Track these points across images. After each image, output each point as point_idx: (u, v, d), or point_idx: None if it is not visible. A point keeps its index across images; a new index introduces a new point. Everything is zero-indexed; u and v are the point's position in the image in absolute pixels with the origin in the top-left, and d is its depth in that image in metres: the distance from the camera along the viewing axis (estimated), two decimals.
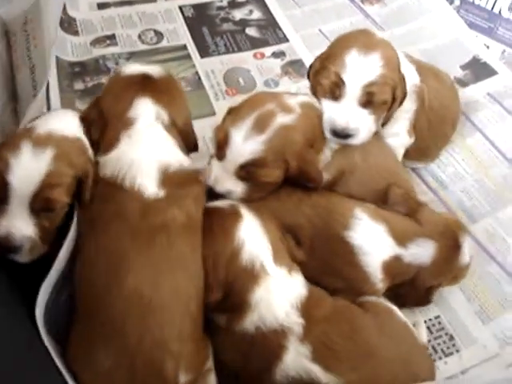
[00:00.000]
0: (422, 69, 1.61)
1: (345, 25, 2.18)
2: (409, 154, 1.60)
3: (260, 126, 1.27)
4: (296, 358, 1.13)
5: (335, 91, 1.36)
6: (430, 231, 1.31)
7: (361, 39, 1.38)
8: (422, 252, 1.29)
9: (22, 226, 1.11)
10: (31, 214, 1.11)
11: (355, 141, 1.37)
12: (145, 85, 1.28)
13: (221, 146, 1.29)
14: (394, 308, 1.26)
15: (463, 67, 2.02)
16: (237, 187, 1.30)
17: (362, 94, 1.34)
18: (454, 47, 2.11)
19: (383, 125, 1.45)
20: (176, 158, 1.23)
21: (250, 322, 1.14)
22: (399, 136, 1.55)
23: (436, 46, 2.10)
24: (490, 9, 2.13)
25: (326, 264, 1.29)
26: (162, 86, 1.30)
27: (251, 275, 1.15)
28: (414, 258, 1.29)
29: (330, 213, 1.31)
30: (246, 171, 1.28)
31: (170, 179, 1.19)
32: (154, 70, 1.33)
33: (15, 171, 1.08)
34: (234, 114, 1.32)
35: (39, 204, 1.10)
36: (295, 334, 1.14)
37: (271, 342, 1.14)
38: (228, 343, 1.17)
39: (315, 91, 1.43)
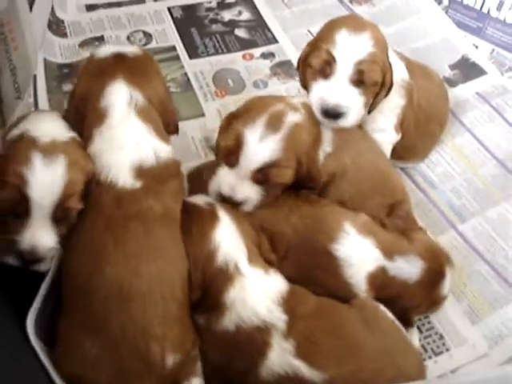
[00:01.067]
0: (412, 66, 1.61)
1: None
2: (396, 153, 1.59)
3: (274, 125, 1.25)
4: (280, 354, 1.13)
5: (326, 69, 1.35)
6: (420, 251, 1.31)
7: (350, 21, 1.40)
8: (409, 268, 1.29)
9: (45, 238, 1.12)
10: (52, 223, 1.12)
11: (345, 122, 1.36)
12: (116, 66, 1.24)
13: (232, 152, 1.26)
14: (381, 305, 1.26)
15: (452, 67, 2.03)
16: (253, 191, 1.28)
17: (354, 72, 1.33)
18: (443, 47, 2.11)
19: (369, 112, 1.44)
20: (152, 149, 1.21)
21: (228, 320, 1.15)
22: (386, 132, 1.54)
23: (425, 46, 2.10)
24: (478, 8, 2.13)
25: (308, 273, 1.29)
26: (135, 63, 1.27)
27: (226, 276, 1.17)
28: (399, 273, 1.28)
29: (318, 224, 1.31)
30: (263, 173, 1.25)
31: (147, 174, 1.18)
32: (128, 49, 1.30)
33: (33, 186, 1.07)
34: (241, 118, 1.28)
35: (60, 214, 1.11)
36: (279, 330, 1.14)
37: (255, 340, 1.14)
38: (211, 343, 1.17)
39: (304, 78, 1.42)
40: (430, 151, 1.77)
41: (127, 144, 1.19)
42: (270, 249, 1.27)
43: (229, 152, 1.27)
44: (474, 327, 1.42)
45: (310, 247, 1.29)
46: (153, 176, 1.19)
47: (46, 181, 1.08)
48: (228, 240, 1.19)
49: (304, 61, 1.42)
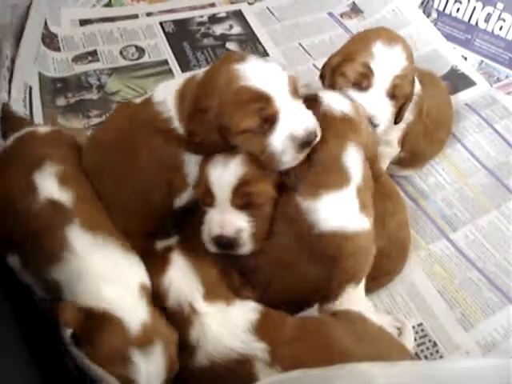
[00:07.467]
0: (422, 76, 1.63)
1: (324, 39, 2.21)
2: (404, 161, 1.66)
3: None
4: None
5: (362, 82, 1.39)
6: None
7: (384, 34, 1.42)
8: None
9: None
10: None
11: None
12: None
13: (205, 193, 1.26)
14: (366, 314, 1.25)
15: (442, 78, 2.03)
16: (241, 220, 1.25)
17: (390, 86, 1.38)
18: (433, 59, 2.14)
19: (396, 122, 1.49)
20: None
21: (201, 357, 1.16)
22: (391, 145, 1.58)
23: (415, 58, 2.11)
24: (466, 20, 2.17)
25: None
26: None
27: (183, 317, 1.19)
28: None
29: None
30: (241, 194, 1.24)
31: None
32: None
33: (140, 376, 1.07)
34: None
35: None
36: (262, 361, 1.13)
37: (238, 373, 1.13)
38: (194, 381, 1.18)
39: (334, 84, 1.44)
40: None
41: None
42: (243, 283, 1.28)
43: (203, 194, 1.27)
44: (467, 334, 1.43)
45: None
46: None
47: (149, 371, 1.08)
48: (178, 282, 1.21)
49: (334, 70, 1.44)
